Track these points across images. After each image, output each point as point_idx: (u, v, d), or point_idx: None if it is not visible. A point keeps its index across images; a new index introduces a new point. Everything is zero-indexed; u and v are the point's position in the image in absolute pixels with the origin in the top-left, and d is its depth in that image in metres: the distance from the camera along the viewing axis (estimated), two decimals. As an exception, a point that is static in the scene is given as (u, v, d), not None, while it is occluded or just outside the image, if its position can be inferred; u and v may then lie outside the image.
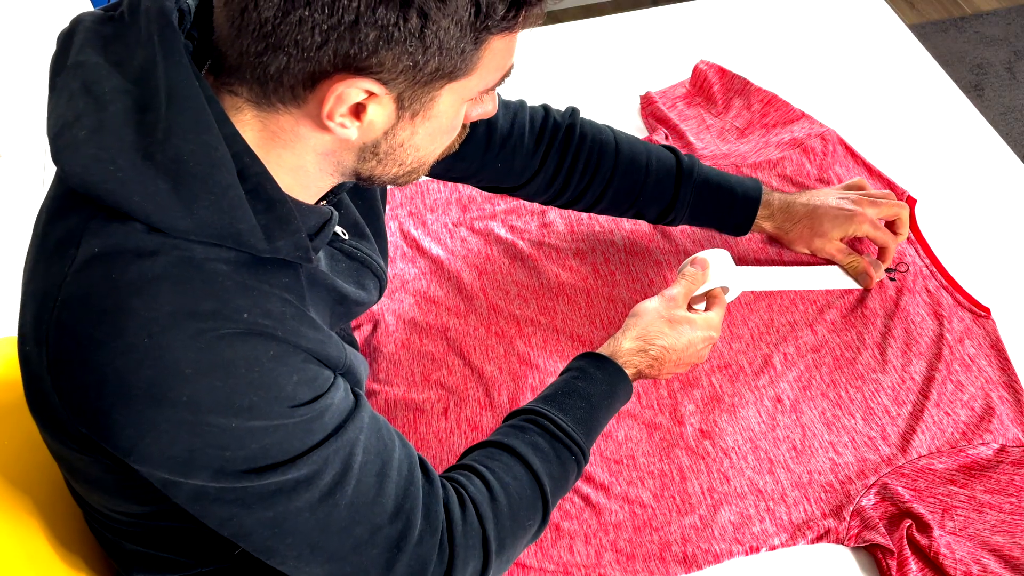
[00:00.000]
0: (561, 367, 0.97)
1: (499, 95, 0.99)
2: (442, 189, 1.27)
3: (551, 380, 0.99)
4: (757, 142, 1.30)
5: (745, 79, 1.36)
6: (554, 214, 1.22)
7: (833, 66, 1.42)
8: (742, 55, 1.42)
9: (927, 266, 1.15)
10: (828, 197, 1.12)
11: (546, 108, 1.08)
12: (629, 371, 0.94)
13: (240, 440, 0.65)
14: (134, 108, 0.64)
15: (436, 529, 0.75)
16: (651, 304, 0.99)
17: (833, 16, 1.51)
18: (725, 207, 1.10)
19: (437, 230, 1.22)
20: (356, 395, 0.75)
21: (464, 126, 0.77)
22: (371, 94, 0.65)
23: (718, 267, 1.04)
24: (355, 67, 0.63)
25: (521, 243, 1.20)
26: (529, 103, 1.08)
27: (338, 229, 0.83)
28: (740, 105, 1.35)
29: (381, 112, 0.67)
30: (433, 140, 0.73)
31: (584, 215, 1.22)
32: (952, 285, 1.13)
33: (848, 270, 1.13)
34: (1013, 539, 0.92)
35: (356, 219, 0.87)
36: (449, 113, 0.71)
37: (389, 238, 1.21)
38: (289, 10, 0.61)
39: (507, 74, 0.73)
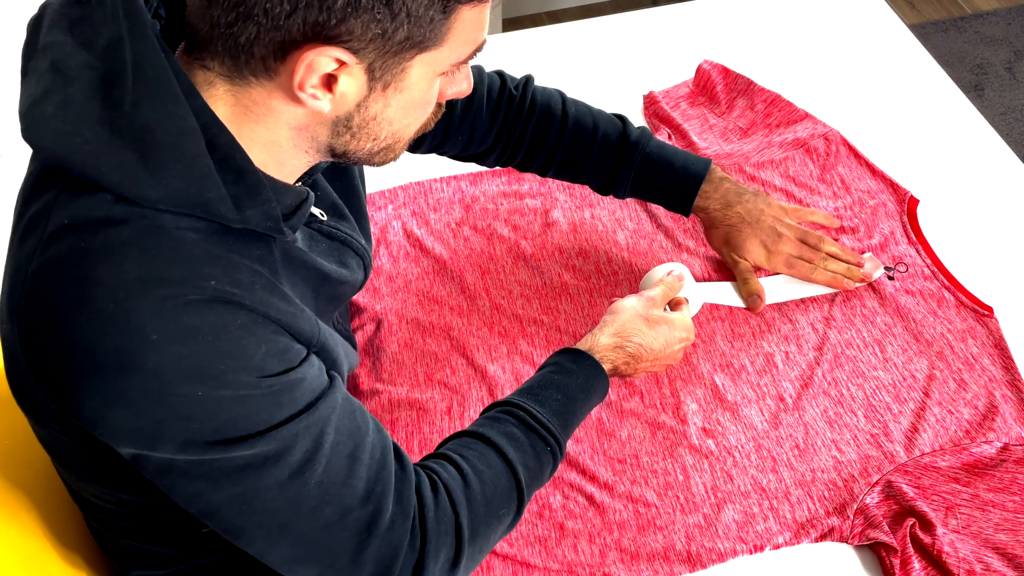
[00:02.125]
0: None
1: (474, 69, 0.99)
2: (445, 188, 1.27)
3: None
4: (760, 142, 1.31)
5: (748, 79, 1.36)
6: (557, 213, 1.23)
7: (833, 66, 1.43)
8: (742, 55, 1.43)
9: (928, 266, 1.15)
10: (768, 216, 1.10)
11: (502, 76, 1.09)
12: (606, 366, 0.94)
13: (207, 410, 0.65)
14: (100, 83, 0.64)
15: (408, 515, 0.74)
16: (629, 302, 1.00)
17: (833, 16, 1.51)
18: (665, 185, 1.10)
19: (440, 230, 1.22)
20: (331, 376, 0.74)
21: (440, 104, 0.77)
22: (341, 63, 0.65)
23: (687, 279, 1.08)
24: (324, 35, 0.63)
25: (524, 243, 1.20)
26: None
27: (315, 210, 0.83)
28: (743, 105, 1.35)
29: (352, 83, 0.67)
30: (406, 114, 0.73)
31: (587, 214, 1.22)
32: (954, 285, 1.13)
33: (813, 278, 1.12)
34: (1016, 537, 0.93)
35: (333, 200, 0.87)
36: (421, 86, 0.71)
37: (392, 237, 1.21)
38: None
39: (479, 48, 0.73)
